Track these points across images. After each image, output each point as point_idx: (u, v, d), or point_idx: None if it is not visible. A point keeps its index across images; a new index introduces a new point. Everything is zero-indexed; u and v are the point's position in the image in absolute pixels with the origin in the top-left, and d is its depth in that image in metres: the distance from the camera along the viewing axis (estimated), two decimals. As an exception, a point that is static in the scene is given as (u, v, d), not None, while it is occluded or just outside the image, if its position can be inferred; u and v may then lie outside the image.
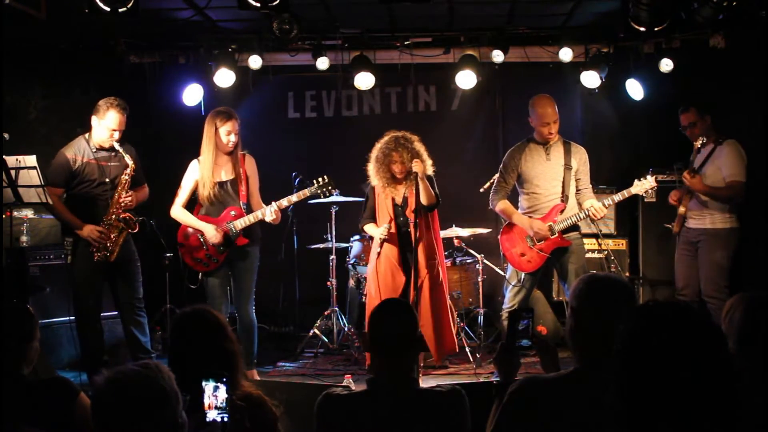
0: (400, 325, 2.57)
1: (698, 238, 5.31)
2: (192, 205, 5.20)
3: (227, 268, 5.17)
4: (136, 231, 5.02)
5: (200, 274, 5.25)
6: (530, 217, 5.16)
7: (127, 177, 4.97)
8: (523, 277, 5.20)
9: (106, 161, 5.02)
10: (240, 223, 5.02)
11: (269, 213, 4.98)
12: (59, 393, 2.65)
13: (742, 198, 5.21)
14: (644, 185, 5.03)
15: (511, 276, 5.30)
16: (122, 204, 4.94)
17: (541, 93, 5.27)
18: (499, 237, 5.46)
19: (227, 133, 5.01)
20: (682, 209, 5.41)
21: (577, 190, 5.17)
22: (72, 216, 4.93)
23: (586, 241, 5.43)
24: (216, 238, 4.99)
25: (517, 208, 5.30)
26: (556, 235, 5.07)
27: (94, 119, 4.95)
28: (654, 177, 5.08)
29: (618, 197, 5.12)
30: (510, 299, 5.23)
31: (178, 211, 5.16)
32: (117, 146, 4.93)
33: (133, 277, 5.10)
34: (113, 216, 4.93)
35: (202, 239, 5.08)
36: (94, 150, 4.98)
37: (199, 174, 5.07)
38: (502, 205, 5.27)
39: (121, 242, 4.95)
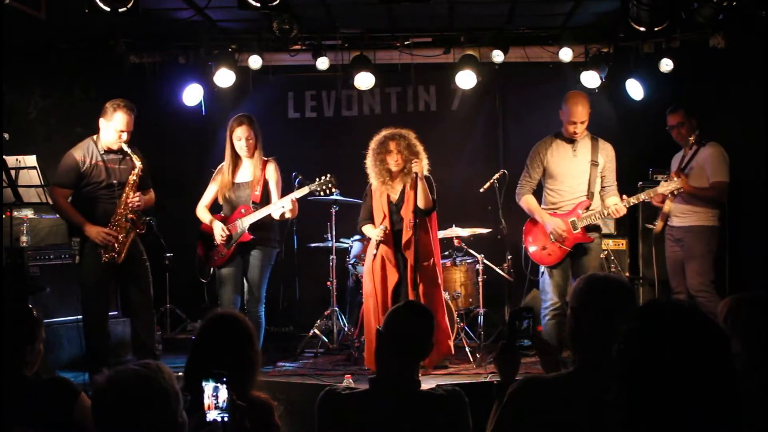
0: (419, 327, 2.60)
1: (682, 235, 5.37)
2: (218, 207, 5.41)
3: (239, 263, 5.26)
4: (142, 232, 5.03)
5: (211, 268, 5.45)
6: (554, 213, 5.15)
7: (135, 177, 4.95)
8: (549, 273, 5.10)
9: (114, 164, 4.99)
10: (248, 219, 5.16)
11: (275, 210, 5.12)
12: (59, 393, 2.64)
13: (725, 198, 5.31)
14: (670, 186, 5.07)
15: (544, 280, 5.18)
16: (130, 204, 4.92)
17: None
18: (522, 232, 5.38)
19: (238, 138, 5.21)
20: (666, 207, 5.46)
21: (602, 188, 5.17)
22: (80, 217, 4.89)
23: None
24: (221, 237, 5.17)
25: (540, 202, 5.28)
26: (579, 230, 5.07)
27: (101, 121, 4.92)
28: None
29: (644, 196, 5.14)
30: (551, 298, 5.08)
31: (199, 211, 5.38)
32: (126, 148, 4.91)
33: (142, 278, 5.07)
34: (121, 217, 4.92)
35: (212, 236, 5.29)
36: (103, 152, 4.95)
37: (220, 176, 5.31)
38: (526, 200, 5.26)
39: (129, 243, 4.94)
